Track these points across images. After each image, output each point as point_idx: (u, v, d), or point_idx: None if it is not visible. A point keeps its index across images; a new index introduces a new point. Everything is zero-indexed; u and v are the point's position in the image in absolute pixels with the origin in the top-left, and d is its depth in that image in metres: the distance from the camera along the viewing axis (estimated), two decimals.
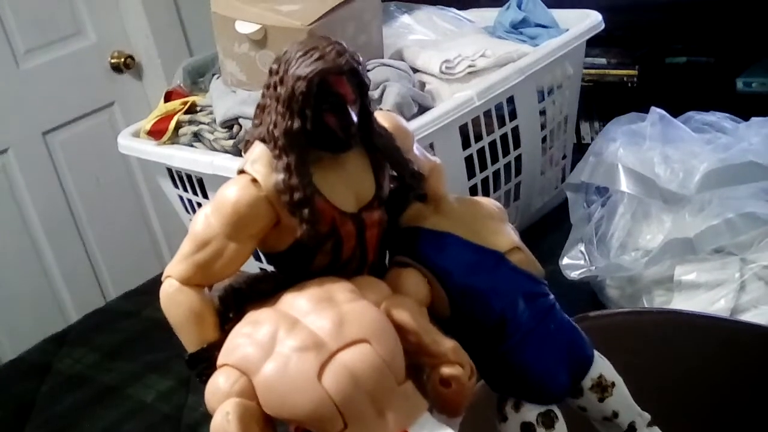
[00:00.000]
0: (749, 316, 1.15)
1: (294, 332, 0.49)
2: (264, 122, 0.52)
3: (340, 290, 0.52)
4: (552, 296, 0.58)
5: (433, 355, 0.52)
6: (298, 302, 0.52)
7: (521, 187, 1.33)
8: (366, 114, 0.53)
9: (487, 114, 1.21)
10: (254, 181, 0.51)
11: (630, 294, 1.18)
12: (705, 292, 1.19)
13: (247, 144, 0.53)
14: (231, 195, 0.51)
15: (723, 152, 1.22)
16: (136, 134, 1.32)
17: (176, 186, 1.30)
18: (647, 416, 0.58)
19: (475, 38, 1.34)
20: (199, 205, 1.25)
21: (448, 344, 0.53)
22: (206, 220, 0.52)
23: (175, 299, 0.52)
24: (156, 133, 1.26)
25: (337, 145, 0.52)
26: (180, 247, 0.53)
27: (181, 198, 1.32)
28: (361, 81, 0.52)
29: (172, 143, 1.25)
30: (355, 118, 0.51)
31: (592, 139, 1.31)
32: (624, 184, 1.28)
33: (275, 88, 0.51)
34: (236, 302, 0.54)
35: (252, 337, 0.50)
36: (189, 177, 1.25)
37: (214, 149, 1.19)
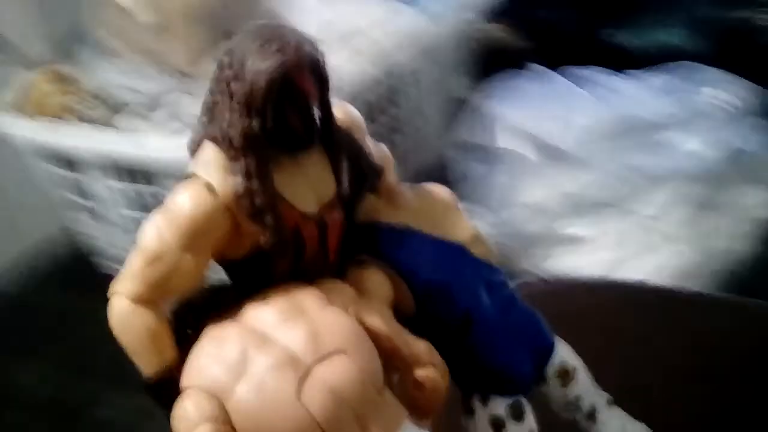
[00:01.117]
0: (631, 266, 1.18)
1: (265, 349, 0.46)
2: (215, 120, 0.47)
3: (307, 298, 0.49)
4: (511, 284, 0.56)
5: (406, 358, 0.50)
6: (263, 315, 0.48)
7: (400, 147, 1.32)
8: (326, 109, 0.49)
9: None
10: (208, 186, 0.47)
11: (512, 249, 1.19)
12: (587, 245, 1.22)
13: (196, 144, 0.49)
14: (185, 204, 0.46)
15: (602, 106, 1.24)
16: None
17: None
18: (607, 396, 0.58)
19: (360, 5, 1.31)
20: None
21: (420, 346, 0.51)
22: (158, 233, 0.47)
23: (129, 321, 0.47)
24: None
25: (298, 143, 0.48)
26: (127, 263, 0.48)
27: None
28: (322, 74, 0.48)
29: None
30: (317, 115, 0.48)
31: (472, 98, 1.30)
32: (503, 141, 1.29)
33: (228, 83, 0.46)
34: (194, 317, 0.49)
35: (219, 357, 0.46)
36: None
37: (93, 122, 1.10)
